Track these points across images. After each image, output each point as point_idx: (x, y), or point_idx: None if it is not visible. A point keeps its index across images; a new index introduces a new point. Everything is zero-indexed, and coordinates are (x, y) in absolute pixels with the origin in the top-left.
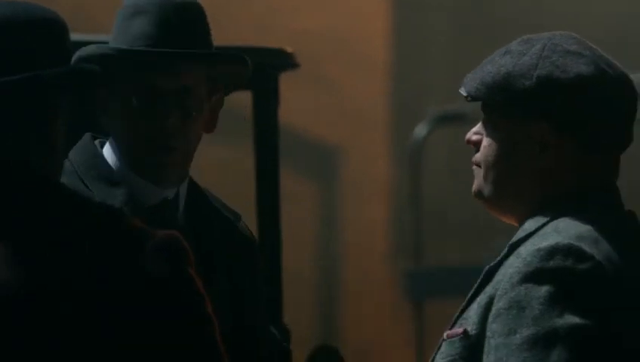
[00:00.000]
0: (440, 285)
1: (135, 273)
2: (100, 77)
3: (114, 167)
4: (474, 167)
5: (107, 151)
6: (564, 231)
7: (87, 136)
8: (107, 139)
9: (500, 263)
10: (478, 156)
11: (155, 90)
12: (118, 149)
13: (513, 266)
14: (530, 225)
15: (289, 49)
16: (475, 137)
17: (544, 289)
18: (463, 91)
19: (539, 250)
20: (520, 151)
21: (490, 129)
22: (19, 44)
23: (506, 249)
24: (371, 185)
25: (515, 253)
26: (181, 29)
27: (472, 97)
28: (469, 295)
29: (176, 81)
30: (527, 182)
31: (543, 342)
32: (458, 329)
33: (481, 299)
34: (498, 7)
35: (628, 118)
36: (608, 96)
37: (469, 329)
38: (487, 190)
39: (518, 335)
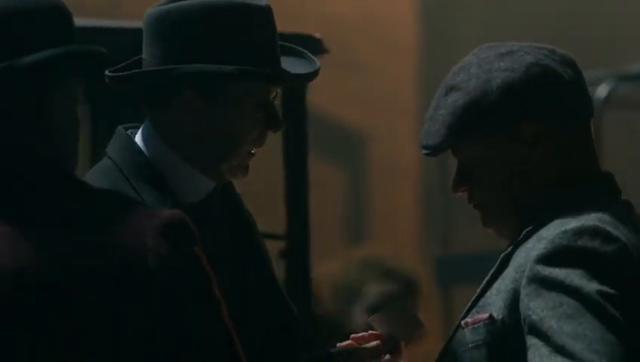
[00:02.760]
0: (468, 271)
1: (141, 254)
2: (86, 60)
3: (155, 160)
4: (475, 208)
5: (143, 143)
6: (584, 215)
7: (120, 130)
8: (137, 128)
9: (516, 248)
10: (475, 197)
11: (269, 99)
12: (167, 141)
13: (537, 248)
14: (541, 214)
15: (317, 35)
16: (462, 187)
17: (578, 267)
18: (426, 150)
19: (565, 231)
20: (512, 162)
21: (475, 161)
22: (2, 34)
23: (522, 235)
24: (400, 170)
25: (535, 236)
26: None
27: (442, 148)
28: (485, 282)
29: (276, 89)
30: (530, 184)
31: (591, 310)
32: (482, 315)
33: (501, 284)
34: None
35: (583, 85)
36: (562, 71)
37: (494, 314)
38: (497, 214)
39: (565, 306)
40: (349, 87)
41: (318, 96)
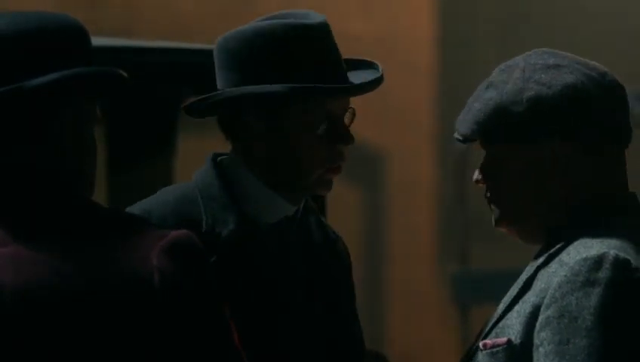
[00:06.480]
0: (486, 289)
1: (147, 273)
2: (90, 81)
3: (237, 186)
4: (489, 204)
5: (230, 169)
6: (606, 239)
7: (209, 157)
8: (227, 157)
9: (538, 271)
10: (490, 193)
11: (332, 115)
12: (248, 167)
13: (559, 274)
14: (563, 234)
15: None
16: (481, 181)
17: (595, 300)
18: (457, 135)
19: (586, 259)
20: (533, 173)
21: (498, 162)
22: (7, 57)
23: (544, 257)
24: (417, 188)
25: (557, 260)
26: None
27: (468, 139)
28: (507, 304)
29: (347, 104)
30: (549, 199)
31: (596, 353)
32: (500, 339)
33: (522, 307)
34: (542, 11)
35: (623, 112)
36: (599, 96)
37: (512, 338)
38: (509, 217)
39: (571, 345)
40: (365, 106)
41: None
